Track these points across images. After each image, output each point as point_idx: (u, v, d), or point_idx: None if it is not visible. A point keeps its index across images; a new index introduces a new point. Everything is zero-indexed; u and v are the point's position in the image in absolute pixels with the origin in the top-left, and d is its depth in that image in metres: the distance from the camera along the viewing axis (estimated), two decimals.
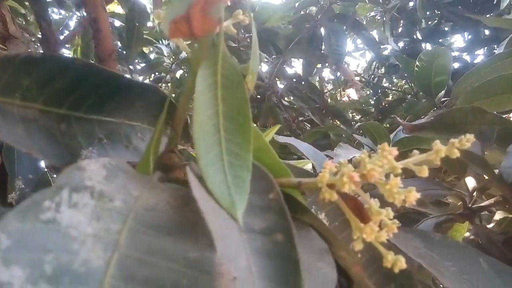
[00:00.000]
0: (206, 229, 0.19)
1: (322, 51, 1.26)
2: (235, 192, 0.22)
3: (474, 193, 0.50)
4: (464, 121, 0.50)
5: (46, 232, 0.16)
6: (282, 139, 0.54)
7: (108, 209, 0.19)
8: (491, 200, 0.48)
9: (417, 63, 0.92)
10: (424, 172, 0.27)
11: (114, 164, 0.21)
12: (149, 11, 1.17)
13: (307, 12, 1.38)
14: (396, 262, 0.24)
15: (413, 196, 0.25)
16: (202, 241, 0.18)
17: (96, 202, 0.19)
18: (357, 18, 1.26)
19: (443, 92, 1.00)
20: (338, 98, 1.88)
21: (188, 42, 0.28)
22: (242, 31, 1.44)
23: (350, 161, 0.27)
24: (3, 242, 0.14)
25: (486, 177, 0.48)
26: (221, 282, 0.17)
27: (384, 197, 0.26)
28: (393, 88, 2.13)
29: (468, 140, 0.28)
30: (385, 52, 1.97)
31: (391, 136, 0.87)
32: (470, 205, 0.50)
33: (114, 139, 0.28)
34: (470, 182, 0.54)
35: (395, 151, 0.25)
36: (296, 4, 1.32)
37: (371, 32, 1.73)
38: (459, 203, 0.54)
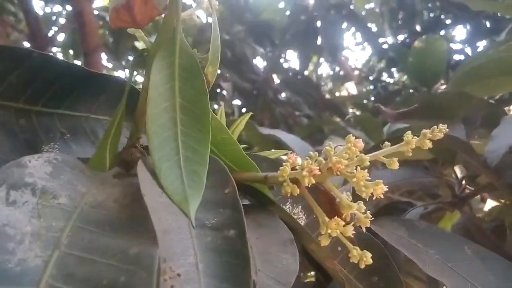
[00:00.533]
0: (152, 225, 0.18)
1: (318, 44, 1.24)
2: (189, 187, 0.21)
3: (463, 181, 0.49)
4: (450, 106, 0.49)
5: None
6: (266, 131, 0.53)
7: (51, 206, 0.18)
8: (478, 187, 0.47)
9: (411, 53, 0.90)
10: (394, 165, 0.26)
11: (61, 159, 0.20)
12: None
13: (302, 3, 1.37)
14: (362, 257, 0.24)
15: (381, 189, 0.25)
16: (145, 237, 0.17)
17: (38, 200, 0.18)
18: (353, 9, 1.25)
19: (440, 82, 0.99)
20: (337, 94, 1.87)
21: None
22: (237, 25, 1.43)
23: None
24: None
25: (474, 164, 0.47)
26: (163, 279, 0.16)
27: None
28: (393, 82, 2.10)
29: (440, 131, 0.27)
30: (385, 46, 1.94)
31: (385, 128, 0.86)
32: (458, 193, 0.49)
33: (78, 133, 0.27)
34: (461, 171, 0.53)
35: (360, 143, 0.24)
36: None
37: (369, 25, 1.71)
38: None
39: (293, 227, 0.28)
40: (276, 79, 1.40)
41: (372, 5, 2.04)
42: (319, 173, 0.23)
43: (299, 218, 0.32)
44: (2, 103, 0.24)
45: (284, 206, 0.31)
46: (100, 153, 0.23)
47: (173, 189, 0.20)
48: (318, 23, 1.24)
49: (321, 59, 1.56)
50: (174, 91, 0.23)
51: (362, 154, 0.25)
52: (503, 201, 0.52)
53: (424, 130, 0.27)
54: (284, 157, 0.35)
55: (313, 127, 0.99)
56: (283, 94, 1.39)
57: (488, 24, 1.81)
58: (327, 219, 0.24)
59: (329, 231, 0.23)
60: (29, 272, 0.16)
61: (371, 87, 2.17)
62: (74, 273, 0.16)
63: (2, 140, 0.24)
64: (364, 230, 0.25)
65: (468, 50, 1.89)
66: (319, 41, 1.25)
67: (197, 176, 0.21)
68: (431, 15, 2.01)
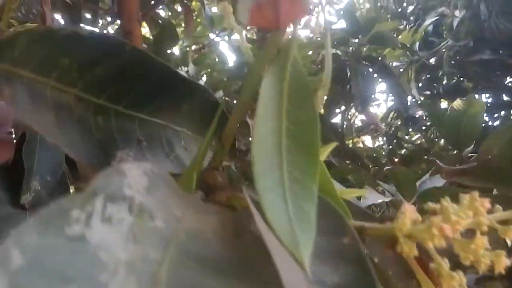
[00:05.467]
0: (265, 271, 0.15)
1: (347, 91, 1.23)
2: (298, 227, 0.17)
3: None
4: (509, 166, 0.46)
5: (71, 252, 0.12)
6: None
7: (148, 230, 0.15)
8: None
9: (448, 111, 0.89)
10: (510, 234, 0.23)
11: (157, 172, 0.17)
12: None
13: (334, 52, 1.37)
14: None
15: (503, 261, 0.21)
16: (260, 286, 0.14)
17: (134, 219, 0.14)
18: (387, 64, 1.25)
19: (471, 147, 0.96)
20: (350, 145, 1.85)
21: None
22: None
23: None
24: (15, 260, 0.09)
25: None
26: None
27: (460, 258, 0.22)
28: (408, 140, 2.09)
29: None
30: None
31: (418, 183, 0.82)
32: None
33: (155, 143, 0.24)
34: None
35: (487, 204, 0.21)
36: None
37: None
38: None
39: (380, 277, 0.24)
40: None
41: (397, 63, 2.07)
42: (450, 234, 0.20)
43: None
44: (82, 96, 0.21)
45: None
46: (189, 174, 0.20)
47: (280, 226, 0.17)
48: (348, 72, 1.24)
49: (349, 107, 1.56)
50: (281, 111, 0.20)
51: (481, 216, 0.21)
52: None
53: None
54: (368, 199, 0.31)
55: (337, 175, 0.95)
56: None
57: (505, 98, 1.82)
58: None
59: None
60: None
61: (383, 142, 2.16)
62: None
63: (77, 138, 0.21)
64: None
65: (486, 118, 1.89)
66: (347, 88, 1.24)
67: (305, 215, 0.18)
68: (452, 80, 2.03)
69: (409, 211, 0.20)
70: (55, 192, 0.38)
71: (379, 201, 0.70)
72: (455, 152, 1.01)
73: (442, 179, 0.79)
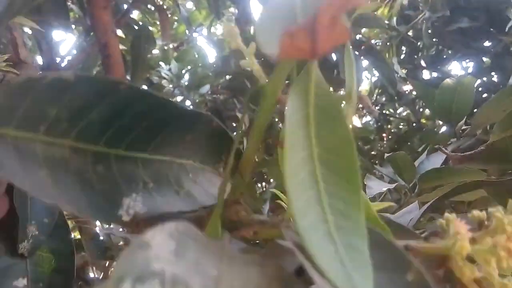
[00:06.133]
0: None
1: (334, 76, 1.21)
2: (352, 269, 0.15)
3: None
4: None
5: None
6: None
7: None
8: None
9: (439, 89, 0.88)
10: None
11: (182, 230, 0.15)
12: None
13: None
14: None
15: None
16: None
17: None
18: (371, 44, 1.23)
19: (463, 121, 0.96)
20: None
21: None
22: None
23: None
24: None
25: None
26: None
27: None
28: (396, 116, 2.09)
29: None
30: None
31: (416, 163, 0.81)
32: None
33: (162, 182, 0.21)
34: None
35: None
36: None
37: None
38: None
39: None
40: None
41: (377, 40, 2.05)
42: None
43: None
44: (77, 146, 0.18)
45: None
46: (214, 221, 0.17)
47: (333, 273, 0.15)
48: (334, 56, 1.21)
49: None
50: (310, 137, 0.18)
51: None
52: None
53: None
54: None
55: None
56: None
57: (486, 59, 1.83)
58: None
59: None
60: None
61: (370, 118, 2.16)
62: None
63: (78, 193, 0.18)
64: None
65: None
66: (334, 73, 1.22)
67: (358, 253, 0.16)
68: (432, 51, 2.03)
69: (463, 230, 0.18)
70: (55, 233, 0.35)
71: (384, 189, 0.69)
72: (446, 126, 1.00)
73: (441, 158, 0.78)
